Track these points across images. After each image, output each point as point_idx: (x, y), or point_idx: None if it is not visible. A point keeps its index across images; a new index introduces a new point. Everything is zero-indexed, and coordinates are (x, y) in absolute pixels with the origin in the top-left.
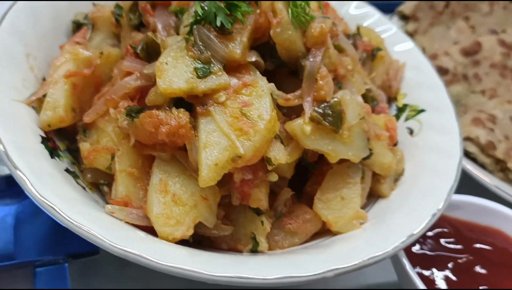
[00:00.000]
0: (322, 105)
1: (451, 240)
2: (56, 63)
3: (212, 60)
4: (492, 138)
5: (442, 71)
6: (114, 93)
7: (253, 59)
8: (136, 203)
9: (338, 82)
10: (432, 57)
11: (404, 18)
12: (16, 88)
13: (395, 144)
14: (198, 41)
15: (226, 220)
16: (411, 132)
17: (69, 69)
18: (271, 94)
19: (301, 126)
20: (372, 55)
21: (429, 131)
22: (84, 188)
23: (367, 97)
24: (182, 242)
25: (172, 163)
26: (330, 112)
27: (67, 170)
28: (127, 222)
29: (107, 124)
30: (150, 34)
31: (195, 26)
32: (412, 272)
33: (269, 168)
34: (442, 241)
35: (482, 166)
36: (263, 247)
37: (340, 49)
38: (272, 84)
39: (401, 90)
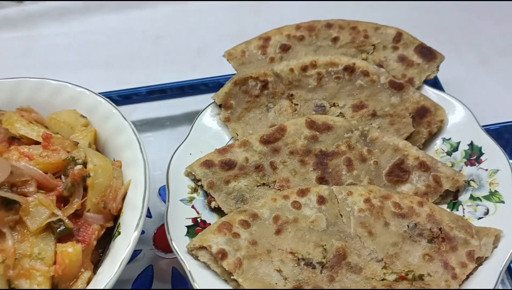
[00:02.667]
0: None
1: None
2: None
3: None
4: (230, 245)
5: (228, 165)
6: None
7: None
8: None
9: None
10: (225, 151)
11: (220, 106)
12: None
13: None
14: None
15: None
16: None
17: None
18: None
19: None
20: (83, 181)
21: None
22: None
23: (52, 227)
24: None
25: None
26: None
27: None
28: None
29: None
30: None
31: None
32: None
33: None
34: None
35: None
36: None
37: None
38: None
39: (123, 209)
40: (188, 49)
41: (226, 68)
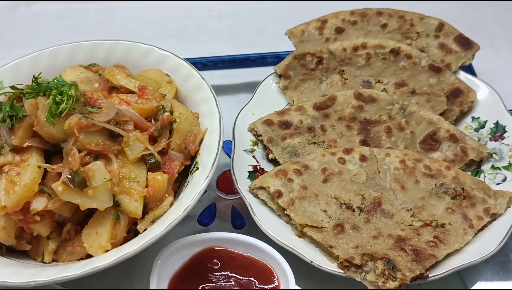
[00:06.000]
0: (72, 173)
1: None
2: None
3: (4, 145)
4: (285, 188)
5: (285, 125)
6: None
7: (29, 144)
8: None
9: (95, 155)
10: (283, 113)
11: (280, 76)
12: None
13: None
14: None
15: (32, 240)
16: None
17: None
18: (39, 166)
19: (56, 186)
20: (170, 126)
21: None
22: None
23: (145, 158)
24: None
25: None
26: (76, 178)
27: None
28: None
29: None
30: None
31: None
32: None
33: (31, 213)
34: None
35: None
36: (47, 260)
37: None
38: (39, 159)
39: (200, 151)
40: (248, 28)
41: (281, 46)
